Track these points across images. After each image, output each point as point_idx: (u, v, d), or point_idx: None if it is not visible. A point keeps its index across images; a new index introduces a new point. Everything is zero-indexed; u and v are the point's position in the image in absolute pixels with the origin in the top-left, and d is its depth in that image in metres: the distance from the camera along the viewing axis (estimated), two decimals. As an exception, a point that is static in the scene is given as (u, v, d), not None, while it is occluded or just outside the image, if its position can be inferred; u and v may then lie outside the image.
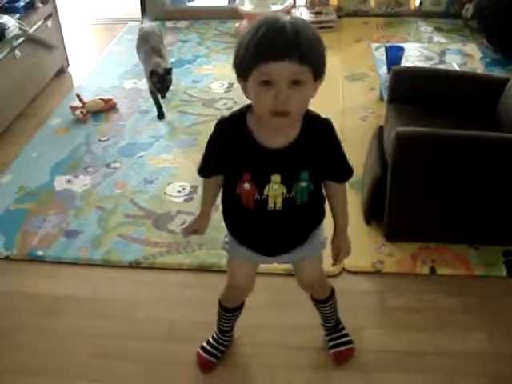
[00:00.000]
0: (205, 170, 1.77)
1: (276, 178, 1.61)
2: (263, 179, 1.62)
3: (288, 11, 4.92)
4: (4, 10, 3.79)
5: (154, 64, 3.74)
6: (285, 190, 1.63)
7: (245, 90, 1.52)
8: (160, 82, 3.68)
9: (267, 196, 1.63)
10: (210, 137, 1.68)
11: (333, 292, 2.08)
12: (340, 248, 1.84)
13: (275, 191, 1.62)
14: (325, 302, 2.09)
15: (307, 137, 1.58)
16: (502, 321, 2.29)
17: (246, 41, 1.44)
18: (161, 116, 3.81)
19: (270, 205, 1.65)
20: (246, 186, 1.64)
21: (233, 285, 1.98)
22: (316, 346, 2.20)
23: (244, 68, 1.46)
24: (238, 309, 2.09)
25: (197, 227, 1.89)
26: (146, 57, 3.88)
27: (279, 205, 1.65)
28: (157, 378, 2.13)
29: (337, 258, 1.86)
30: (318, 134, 1.60)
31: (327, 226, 1.84)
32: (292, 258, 1.86)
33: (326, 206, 1.79)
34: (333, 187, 1.75)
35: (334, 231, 1.83)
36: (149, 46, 3.94)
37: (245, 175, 1.63)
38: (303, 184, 1.63)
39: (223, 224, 1.82)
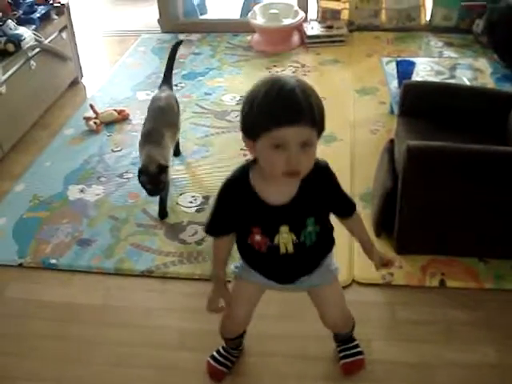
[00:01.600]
0: (214, 230, 1.79)
1: (285, 228, 1.66)
2: (273, 231, 1.67)
3: (300, 25, 4.98)
4: (20, 22, 3.84)
5: (146, 158, 2.84)
6: (294, 237, 1.68)
7: (252, 149, 1.53)
8: (151, 182, 2.80)
9: (278, 243, 1.69)
10: (217, 198, 1.70)
11: (353, 326, 2.12)
12: (378, 254, 1.87)
13: (285, 239, 1.68)
14: (344, 335, 2.15)
15: (308, 187, 1.62)
16: (510, 334, 2.30)
17: (256, 104, 1.45)
18: (162, 215, 3.02)
19: (282, 250, 1.70)
20: (257, 237, 1.70)
21: (230, 314, 1.97)
22: (326, 357, 2.22)
23: (255, 131, 1.47)
24: (240, 336, 2.13)
25: (221, 297, 1.87)
26: (141, 143, 2.99)
27: (291, 250, 1.70)
28: (168, 385, 2.16)
29: (384, 263, 1.88)
30: (318, 182, 1.63)
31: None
32: (303, 285, 1.89)
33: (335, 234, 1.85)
34: (348, 220, 1.83)
35: (364, 248, 1.89)
36: (148, 127, 3.05)
37: (255, 229, 1.69)
38: (310, 229, 1.69)
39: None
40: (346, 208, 1.80)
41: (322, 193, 1.66)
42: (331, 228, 1.81)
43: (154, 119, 3.09)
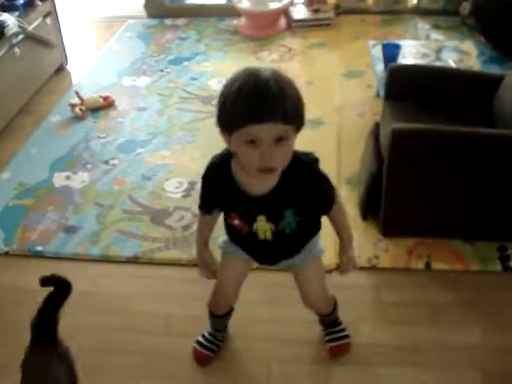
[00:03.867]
0: (205, 208, 1.82)
1: (261, 217, 1.68)
2: (250, 219, 1.69)
3: (286, 9, 4.95)
4: (3, 8, 3.80)
5: None
6: (272, 226, 1.69)
7: (229, 143, 1.53)
8: None
9: (256, 230, 1.71)
10: (202, 180, 1.74)
11: (335, 305, 2.12)
12: (344, 260, 1.87)
13: (263, 227, 1.70)
14: (327, 316, 2.14)
15: (288, 180, 1.60)
16: (496, 315, 2.31)
17: (229, 100, 1.43)
18: None
19: (261, 236, 1.73)
20: (236, 221, 1.72)
21: (219, 287, 2.00)
22: (313, 340, 2.23)
23: (228, 126, 1.47)
24: (227, 314, 2.13)
25: (207, 268, 1.94)
26: None
27: (269, 237, 1.72)
28: (154, 371, 2.16)
29: (342, 270, 1.90)
30: (298, 176, 1.61)
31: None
32: (286, 264, 1.91)
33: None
34: (329, 215, 1.79)
35: (340, 246, 1.88)
36: None
37: (233, 214, 1.71)
38: (289, 219, 1.69)
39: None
40: (324, 205, 1.75)
41: (301, 187, 1.64)
42: (316, 216, 1.81)
43: None
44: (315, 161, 1.65)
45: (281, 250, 1.81)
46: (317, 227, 1.85)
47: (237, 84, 1.43)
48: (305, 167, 1.63)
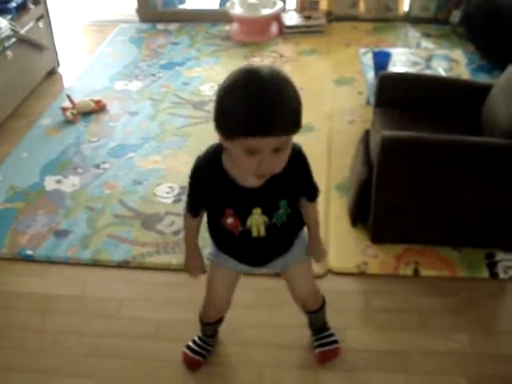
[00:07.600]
0: (194, 210, 1.81)
1: (257, 210, 1.67)
2: (245, 213, 1.68)
3: (278, 15, 4.98)
4: (-4, 11, 3.81)
5: None
6: (266, 219, 1.69)
7: (226, 144, 1.50)
8: None
9: (250, 226, 1.70)
10: (190, 178, 1.71)
11: (324, 302, 2.13)
12: (315, 249, 1.94)
13: (257, 221, 1.69)
14: (315, 312, 2.14)
15: (282, 171, 1.58)
16: (483, 322, 2.34)
17: (231, 107, 1.40)
18: None
19: (254, 233, 1.72)
20: (230, 220, 1.70)
21: (210, 299, 2.01)
22: (302, 345, 2.24)
23: (229, 135, 1.44)
24: (218, 322, 2.14)
25: (193, 267, 1.97)
26: None
27: (263, 232, 1.72)
28: (144, 375, 2.16)
29: (317, 259, 1.96)
30: (291, 165, 1.59)
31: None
32: (276, 266, 1.92)
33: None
34: (306, 205, 1.82)
35: (309, 238, 1.92)
36: None
37: (227, 211, 1.69)
38: (282, 211, 1.70)
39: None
40: (311, 192, 1.80)
41: (294, 176, 1.65)
42: (300, 211, 1.83)
43: None
44: (301, 149, 1.67)
45: (273, 245, 1.81)
46: (302, 221, 1.87)
47: (238, 92, 1.40)
48: (296, 155, 1.62)
